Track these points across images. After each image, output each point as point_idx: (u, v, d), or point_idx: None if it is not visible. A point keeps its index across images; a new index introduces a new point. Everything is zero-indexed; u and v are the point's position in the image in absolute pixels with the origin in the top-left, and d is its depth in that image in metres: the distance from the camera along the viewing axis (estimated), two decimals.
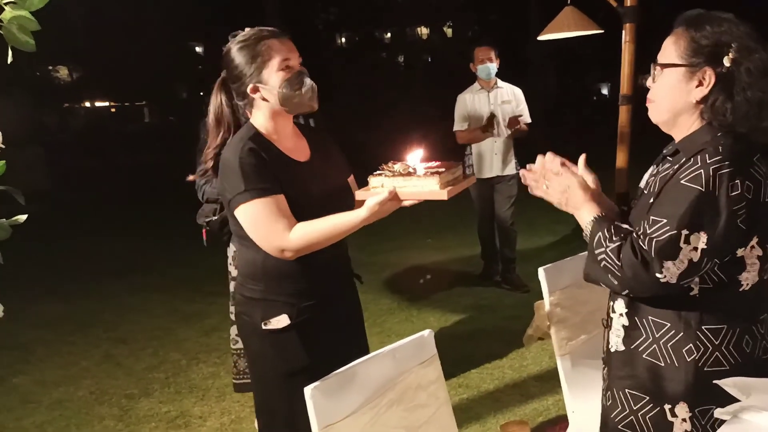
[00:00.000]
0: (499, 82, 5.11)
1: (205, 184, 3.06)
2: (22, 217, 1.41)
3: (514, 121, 4.95)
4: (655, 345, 1.53)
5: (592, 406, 1.86)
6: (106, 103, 24.07)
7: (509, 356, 3.93)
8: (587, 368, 2.21)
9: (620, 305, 1.59)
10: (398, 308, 4.94)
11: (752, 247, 1.46)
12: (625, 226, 1.51)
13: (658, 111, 1.56)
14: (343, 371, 1.56)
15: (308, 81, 1.90)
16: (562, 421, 2.61)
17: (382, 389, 1.63)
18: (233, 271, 3.20)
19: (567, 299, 2.28)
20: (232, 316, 3.19)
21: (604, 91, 24.94)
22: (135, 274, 6.25)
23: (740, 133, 1.46)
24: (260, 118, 1.93)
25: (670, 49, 1.52)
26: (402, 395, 1.67)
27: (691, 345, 1.49)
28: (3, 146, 1.34)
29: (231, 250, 3.19)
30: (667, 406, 1.51)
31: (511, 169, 5.12)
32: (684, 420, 1.50)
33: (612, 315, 1.62)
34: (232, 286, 3.21)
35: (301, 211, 1.83)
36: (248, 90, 1.88)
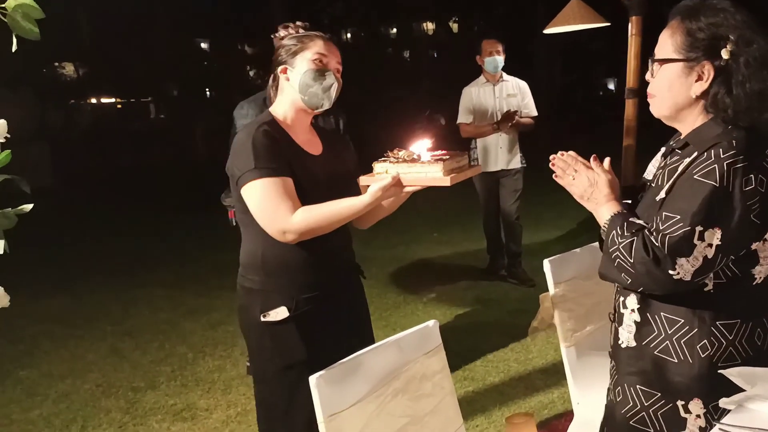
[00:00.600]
0: (505, 76, 5.09)
1: None
2: (28, 207, 1.41)
3: (509, 116, 4.90)
4: (667, 341, 1.51)
5: (597, 397, 1.85)
6: (112, 100, 24.11)
7: (515, 349, 3.93)
8: (592, 359, 2.21)
9: (632, 301, 1.57)
10: (404, 302, 4.94)
11: (765, 240, 1.44)
12: (639, 221, 1.48)
13: (659, 106, 1.54)
14: (348, 361, 1.57)
15: (332, 79, 1.92)
16: (568, 414, 2.61)
17: (387, 379, 1.63)
18: None
19: (572, 291, 2.28)
20: None
21: (611, 86, 24.84)
22: (141, 269, 6.28)
23: (749, 126, 1.44)
24: (281, 107, 1.97)
25: (667, 44, 1.49)
26: (407, 385, 1.67)
27: (705, 341, 1.47)
28: (8, 135, 1.34)
29: None
30: (680, 402, 1.50)
31: (516, 163, 5.11)
32: (698, 416, 1.48)
33: (623, 311, 1.60)
34: None
35: (306, 198, 1.84)
36: (279, 70, 1.94)
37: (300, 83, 1.90)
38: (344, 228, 1.97)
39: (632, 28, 3.28)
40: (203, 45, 24.40)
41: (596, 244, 1.64)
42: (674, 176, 1.45)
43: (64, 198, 10.61)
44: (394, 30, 27.45)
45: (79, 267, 6.52)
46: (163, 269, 6.22)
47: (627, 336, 1.59)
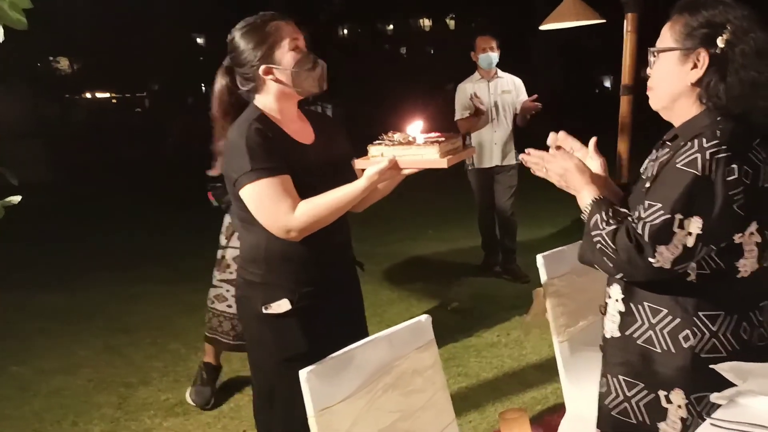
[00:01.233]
0: (500, 72, 5.09)
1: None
2: (16, 198, 1.40)
3: (528, 107, 4.90)
4: (650, 331, 1.52)
5: (589, 392, 1.85)
6: (107, 94, 24.04)
7: (508, 345, 3.93)
8: (585, 355, 2.21)
9: (616, 291, 1.58)
10: (398, 299, 4.94)
11: (751, 233, 1.45)
12: (623, 210, 1.50)
13: (657, 97, 1.56)
14: (338, 355, 1.56)
15: (320, 61, 1.91)
16: (561, 409, 2.60)
17: (378, 374, 1.62)
18: (223, 240, 3.35)
19: (565, 286, 2.28)
20: (214, 281, 3.39)
21: (607, 84, 24.86)
22: (137, 266, 6.24)
23: (740, 117, 1.45)
24: (266, 101, 1.93)
25: (666, 35, 1.52)
26: (398, 380, 1.67)
27: (687, 331, 1.48)
28: None
29: (226, 220, 3.32)
30: (662, 393, 1.51)
31: (510, 159, 5.10)
32: (679, 406, 1.49)
33: (608, 301, 1.62)
34: (219, 253, 3.35)
35: (304, 191, 1.83)
36: (260, 72, 1.87)
37: (293, 78, 1.88)
38: (344, 221, 1.96)
39: (628, 25, 3.27)
40: (199, 40, 24.34)
41: None
42: (661, 166, 1.47)
43: (60, 193, 10.57)
44: (391, 27, 27.41)
45: (76, 263, 6.49)
46: (161, 265, 6.18)
47: (612, 326, 1.60)
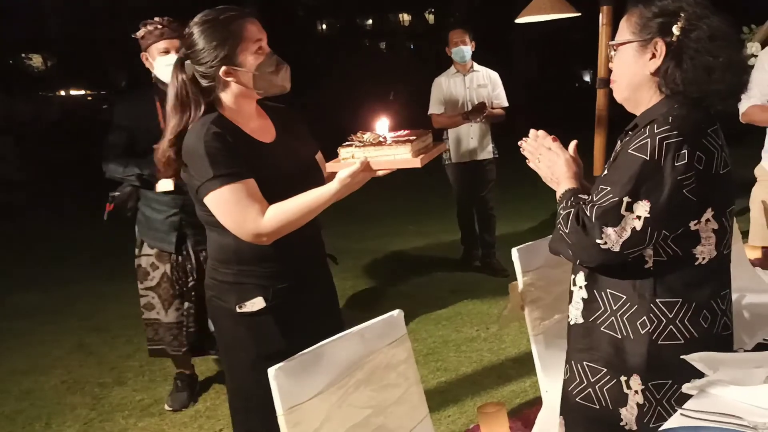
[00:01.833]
0: (475, 66, 5.08)
1: (107, 162, 3.12)
2: None
3: (479, 108, 4.87)
4: (612, 317, 1.54)
5: None
6: (82, 92, 23.69)
7: (488, 340, 3.93)
8: (560, 347, 2.18)
9: (580, 278, 1.60)
10: (379, 294, 4.92)
11: (707, 220, 1.46)
12: (582, 196, 1.53)
13: (619, 89, 1.58)
14: (308, 352, 1.53)
15: (282, 62, 1.85)
16: (539, 402, 2.60)
17: (349, 369, 1.59)
18: (136, 249, 3.27)
19: (540, 279, 2.26)
20: (139, 291, 3.27)
21: (586, 78, 25.01)
22: (110, 263, 6.12)
23: (696, 103, 1.47)
24: (223, 100, 1.85)
25: (624, 28, 1.54)
26: (371, 375, 1.64)
27: (645, 317, 1.49)
28: None
29: (136, 230, 3.26)
30: (623, 378, 1.52)
31: (487, 153, 5.10)
32: (636, 392, 1.50)
33: (573, 288, 1.63)
34: (135, 263, 3.28)
35: (270, 192, 1.78)
36: (220, 73, 1.79)
37: (255, 81, 1.81)
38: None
39: (603, 17, 3.27)
40: None
41: None
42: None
43: (32, 190, 10.39)
44: (370, 21, 27.35)
45: (48, 261, 6.40)
46: (133, 262, 6.08)
47: (576, 313, 1.62)
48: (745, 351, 1.81)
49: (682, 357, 1.41)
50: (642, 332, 1.49)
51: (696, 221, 1.44)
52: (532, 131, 1.70)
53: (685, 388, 1.40)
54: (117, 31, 17.92)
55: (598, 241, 1.41)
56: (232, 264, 1.87)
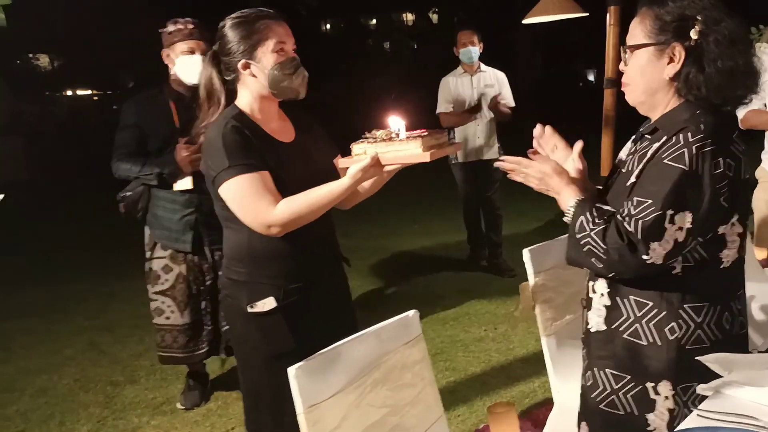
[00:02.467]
0: (483, 66, 5.10)
1: (119, 161, 3.11)
2: None
3: (495, 101, 4.92)
4: (636, 324, 1.52)
5: (576, 385, 1.86)
6: (89, 92, 23.77)
7: (496, 339, 3.94)
8: (571, 348, 2.21)
9: (601, 285, 1.58)
10: (385, 293, 4.95)
11: (732, 224, 1.46)
12: (607, 207, 1.49)
13: (634, 93, 1.55)
14: (327, 351, 1.55)
15: (302, 68, 1.90)
16: (548, 403, 2.62)
17: (366, 369, 1.62)
18: (147, 252, 3.26)
19: (551, 280, 2.28)
20: (150, 295, 3.25)
21: (590, 77, 24.98)
22: (120, 261, 6.16)
23: (718, 109, 1.46)
24: (245, 98, 1.92)
25: (637, 30, 1.52)
26: (387, 375, 1.67)
27: (674, 323, 1.49)
28: None
29: (147, 231, 3.25)
30: (649, 384, 1.51)
31: (493, 153, 5.12)
32: (667, 397, 1.50)
33: (592, 295, 1.62)
34: (146, 266, 3.27)
35: (285, 191, 1.82)
36: (239, 65, 1.87)
37: (270, 79, 1.87)
38: (327, 217, 1.96)
39: (610, 18, 3.29)
40: None
41: None
42: (644, 161, 1.47)
43: (40, 190, 10.44)
44: (374, 21, 27.34)
45: (57, 260, 6.43)
46: (143, 262, 6.11)
47: (597, 320, 1.60)
48: (759, 352, 1.83)
49: (697, 358, 1.42)
50: (671, 338, 1.49)
51: (724, 226, 1.45)
52: (537, 128, 1.68)
53: (700, 389, 1.41)
54: (124, 31, 17.99)
55: (644, 257, 1.39)
56: (245, 262, 1.90)
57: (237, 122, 1.84)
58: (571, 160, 1.68)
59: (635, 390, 1.54)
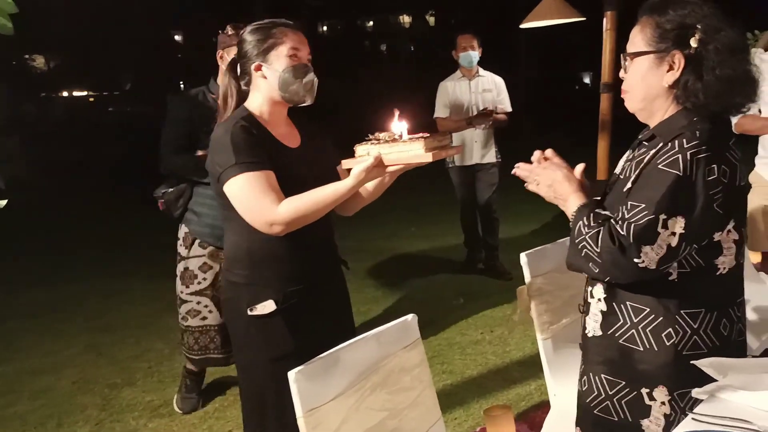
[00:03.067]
0: (481, 71, 5.12)
1: (172, 155, 3.08)
2: (2, 202, 1.39)
3: (484, 114, 4.91)
4: (633, 330, 1.54)
5: (573, 388, 1.87)
6: (84, 93, 23.74)
7: (492, 342, 3.96)
8: (568, 351, 2.23)
9: (599, 291, 1.60)
10: (382, 296, 4.95)
11: (729, 231, 1.48)
12: (604, 212, 1.50)
13: (633, 100, 1.57)
14: (326, 355, 1.57)
15: (312, 74, 1.95)
16: (545, 405, 2.64)
17: (366, 373, 1.63)
18: (183, 251, 3.16)
19: (548, 284, 2.30)
20: (183, 296, 3.15)
21: (587, 80, 25.05)
22: (119, 262, 6.20)
23: (716, 117, 1.48)
24: (256, 102, 1.96)
25: (637, 38, 1.53)
26: (386, 379, 1.68)
27: (670, 329, 1.50)
28: None
29: (182, 229, 3.18)
30: (644, 390, 1.53)
31: (491, 157, 5.14)
32: (663, 403, 1.51)
33: (590, 300, 1.63)
34: (181, 266, 3.16)
35: (288, 192, 1.83)
36: (252, 67, 1.92)
37: (280, 82, 1.91)
38: (327, 219, 1.97)
39: (607, 23, 3.32)
40: (177, 37, 24.08)
41: None
42: (640, 167, 1.48)
43: (38, 190, 10.43)
44: (371, 23, 27.35)
45: (55, 260, 6.43)
46: (142, 262, 6.12)
47: (593, 325, 1.62)
48: (754, 357, 1.84)
49: (692, 362, 1.44)
50: (667, 344, 1.50)
51: (720, 232, 1.46)
52: (535, 153, 1.64)
53: (695, 392, 1.43)
54: (121, 32, 17.97)
55: (636, 260, 1.40)
56: (244, 264, 1.92)
57: (246, 122, 1.88)
58: (566, 165, 1.69)
59: (629, 396, 1.55)
